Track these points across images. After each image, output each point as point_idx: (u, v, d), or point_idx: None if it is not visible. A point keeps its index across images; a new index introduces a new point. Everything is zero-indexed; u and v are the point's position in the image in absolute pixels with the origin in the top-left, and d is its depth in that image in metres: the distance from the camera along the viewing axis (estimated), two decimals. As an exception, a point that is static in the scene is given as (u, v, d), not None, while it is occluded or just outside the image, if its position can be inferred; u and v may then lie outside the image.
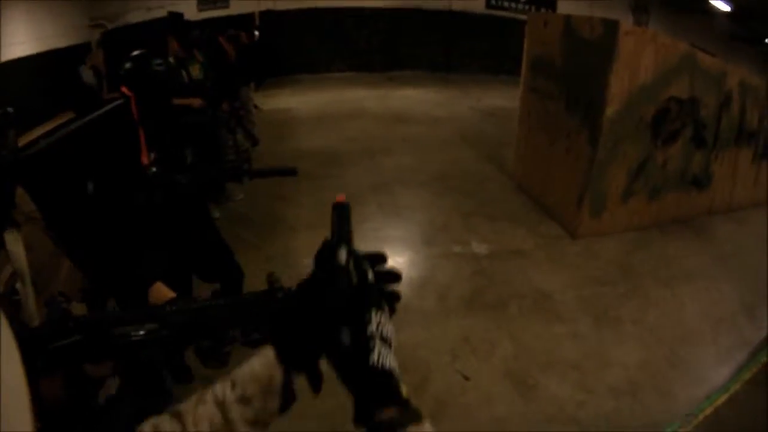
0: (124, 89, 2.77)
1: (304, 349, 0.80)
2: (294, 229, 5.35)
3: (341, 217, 0.91)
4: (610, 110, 4.56)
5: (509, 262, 4.63)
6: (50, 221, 1.79)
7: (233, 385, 0.81)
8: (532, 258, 4.68)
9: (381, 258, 0.86)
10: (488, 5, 13.72)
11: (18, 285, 1.57)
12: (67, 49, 10.33)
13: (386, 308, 0.82)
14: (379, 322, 0.78)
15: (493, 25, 13.40)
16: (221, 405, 0.79)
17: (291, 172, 3.03)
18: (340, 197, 0.92)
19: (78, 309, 1.89)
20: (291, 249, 4.97)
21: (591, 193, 4.80)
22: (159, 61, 2.83)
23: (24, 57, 8.88)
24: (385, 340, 0.77)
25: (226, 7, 13.09)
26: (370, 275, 0.82)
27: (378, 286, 0.83)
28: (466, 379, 3.28)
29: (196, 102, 5.13)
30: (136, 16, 12.29)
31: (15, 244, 1.59)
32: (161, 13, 11.87)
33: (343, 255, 0.83)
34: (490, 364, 3.41)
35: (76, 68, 9.53)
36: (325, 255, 0.84)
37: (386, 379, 0.74)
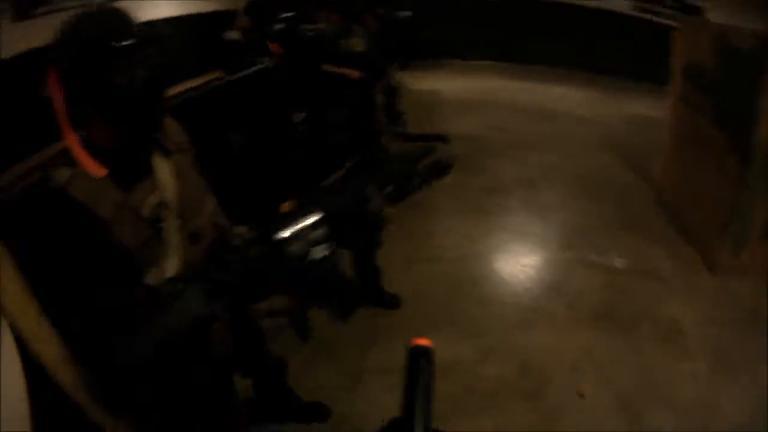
0: (274, 47, 3.00)
1: None
2: (436, 211, 5.67)
3: (419, 375, 0.73)
4: (764, 132, 4.30)
5: (644, 281, 4.68)
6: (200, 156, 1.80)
7: None
8: (668, 283, 4.69)
9: None
10: (635, 7, 12.93)
11: (164, 213, 1.57)
12: (212, 14, 10.85)
13: None
14: None
15: (639, 28, 12.79)
16: None
17: (443, 139, 3.23)
18: (421, 340, 0.75)
19: None
20: (428, 230, 5.33)
21: (736, 224, 4.65)
22: (310, 27, 3.03)
23: (167, 18, 9.38)
24: None
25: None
26: None
27: None
28: (581, 396, 3.44)
29: (355, 73, 5.20)
30: (281, -15, 12.62)
31: (164, 171, 1.60)
32: (307, -17, 12.15)
33: None
34: (608, 386, 3.55)
35: (221, 33, 9.96)
36: None
37: None
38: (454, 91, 10.99)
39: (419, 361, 0.73)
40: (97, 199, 1.41)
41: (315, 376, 3.41)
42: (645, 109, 10.04)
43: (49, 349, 1.36)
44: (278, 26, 2.97)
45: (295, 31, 2.96)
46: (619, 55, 13.20)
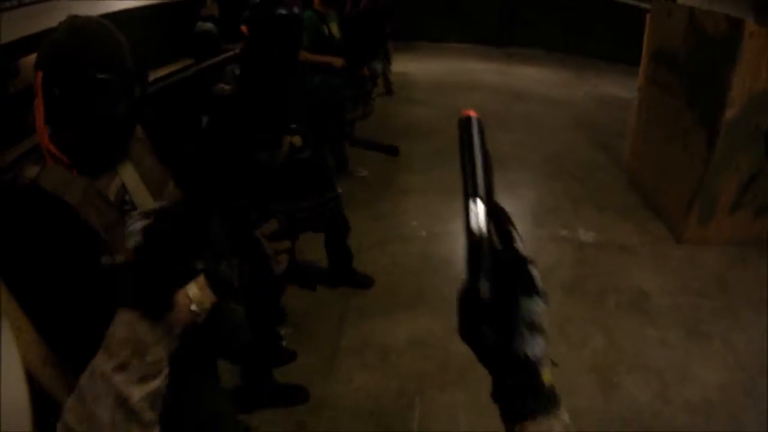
0: (244, 29, 2.87)
1: None
2: (405, 192, 5.70)
3: (472, 146, 0.74)
4: (730, 113, 4.42)
5: (613, 255, 4.76)
6: (157, 146, 1.83)
7: (109, 356, 0.86)
8: (636, 255, 4.77)
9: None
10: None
11: (127, 197, 1.63)
12: (180, 2, 10.70)
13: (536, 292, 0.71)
14: (528, 309, 0.69)
15: (612, 9, 12.87)
16: (104, 377, 0.85)
17: (392, 151, 3.15)
18: (469, 111, 0.76)
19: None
20: (400, 210, 5.35)
21: (702, 198, 4.75)
22: (283, 9, 2.87)
23: (134, 8, 9.25)
24: (532, 326, 0.69)
25: (343, -31, 12.99)
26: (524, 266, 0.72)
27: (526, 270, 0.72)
28: (554, 365, 3.46)
29: (338, 62, 5.11)
30: (249, -28, 12.55)
31: (126, 169, 1.66)
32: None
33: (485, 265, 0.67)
34: (580, 354, 3.61)
35: (191, 20, 9.80)
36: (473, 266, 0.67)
37: (527, 367, 0.69)
38: (430, 74, 11.02)
39: (469, 131, 0.75)
40: (66, 187, 1.46)
41: (291, 358, 3.43)
42: (618, 90, 10.18)
43: (31, 349, 1.36)
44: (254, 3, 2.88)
45: (271, 12, 2.82)
46: (594, 36, 13.28)
